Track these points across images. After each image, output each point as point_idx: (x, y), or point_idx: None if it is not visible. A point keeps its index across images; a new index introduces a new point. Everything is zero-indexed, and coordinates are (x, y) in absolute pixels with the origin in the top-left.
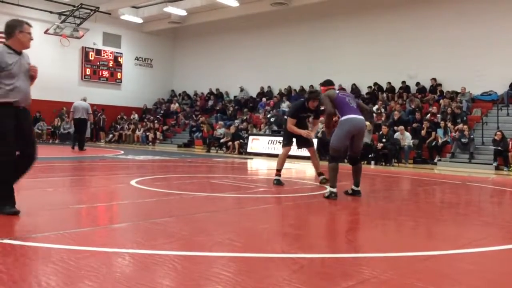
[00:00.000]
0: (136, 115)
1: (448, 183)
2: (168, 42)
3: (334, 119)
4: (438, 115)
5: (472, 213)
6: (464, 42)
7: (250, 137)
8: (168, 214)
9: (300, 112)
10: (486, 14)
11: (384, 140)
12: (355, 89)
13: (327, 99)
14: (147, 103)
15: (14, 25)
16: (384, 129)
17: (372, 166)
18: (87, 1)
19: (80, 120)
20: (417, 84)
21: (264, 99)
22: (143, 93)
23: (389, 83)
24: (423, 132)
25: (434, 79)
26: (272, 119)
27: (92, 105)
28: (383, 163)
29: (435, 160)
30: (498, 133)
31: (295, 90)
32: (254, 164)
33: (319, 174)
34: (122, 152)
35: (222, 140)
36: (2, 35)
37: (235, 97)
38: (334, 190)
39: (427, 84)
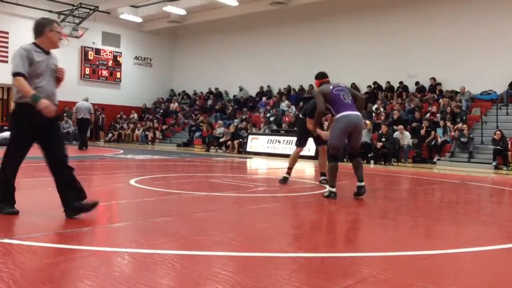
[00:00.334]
0: (136, 115)
1: (447, 182)
2: (168, 41)
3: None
4: (438, 115)
5: (471, 213)
6: (464, 42)
7: (250, 137)
8: (167, 213)
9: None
10: (486, 14)
11: (383, 139)
12: (354, 88)
13: (320, 95)
14: (147, 103)
15: (44, 23)
16: (384, 129)
17: (372, 165)
18: (86, 1)
19: (82, 120)
20: (417, 83)
21: (264, 99)
22: (142, 93)
23: (388, 82)
24: (422, 132)
25: (434, 79)
26: (272, 119)
27: (92, 105)
28: (383, 163)
29: (435, 160)
30: (498, 132)
31: (294, 89)
32: (253, 164)
33: (322, 174)
34: (122, 151)
35: (221, 140)
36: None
37: (234, 96)
38: (334, 189)
39: (427, 84)
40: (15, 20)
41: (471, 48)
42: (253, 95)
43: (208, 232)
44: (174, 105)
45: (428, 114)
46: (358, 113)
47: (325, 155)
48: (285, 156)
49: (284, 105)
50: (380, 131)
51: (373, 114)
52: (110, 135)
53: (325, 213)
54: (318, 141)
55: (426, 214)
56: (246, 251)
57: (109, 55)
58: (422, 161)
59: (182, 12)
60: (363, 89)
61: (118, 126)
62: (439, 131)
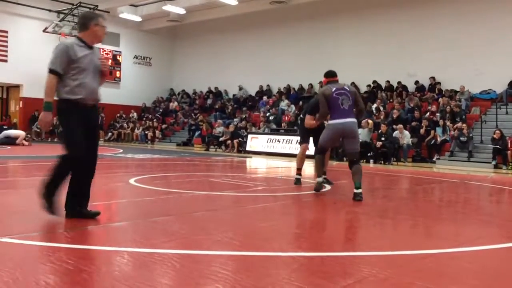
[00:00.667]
0: (135, 114)
1: (447, 181)
2: (167, 40)
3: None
4: (437, 114)
5: (471, 212)
6: (463, 41)
7: (249, 136)
8: (167, 212)
9: (317, 109)
10: (485, 13)
11: (383, 138)
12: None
13: (323, 97)
14: (146, 102)
15: (90, 17)
16: (383, 128)
17: (371, 164)
18: (85, 0)
19: None
20: (416, 82)
21: (265, 98)
22: (142, 92)
23: (388, 81)
24: (422, 131)
25: (433, 78)
26: (271, 118)
27: None
28: (382, 162)
29: (434, 159)
30: (497, 131)
31: (293, 88)
32: (253, 163)
33: (323, 173)
34: (121, 150)
35: (221, 139)
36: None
37: (234, 95)
38: (320, 179)
39: (426, 83)
40: (14, 19)
41: (470, 47)
42: (253, 94)
43: (208, 231)
44: (173, 104)
45: (428, 114)
46: (351, 119)
47: (328, 155)
48: (285, 155)
49: (283, 104)
50: (379, 131)
51: (373, 113)
52: (109, 134)
53: (325, 212)
54: (318, 139)
55: (426, 214)
56: (245, 250)
57: (109, 54)
58: (421, 161)
59: (182, 11)
60: (363, 88)
61: (117, 125)
62: (439, 130)
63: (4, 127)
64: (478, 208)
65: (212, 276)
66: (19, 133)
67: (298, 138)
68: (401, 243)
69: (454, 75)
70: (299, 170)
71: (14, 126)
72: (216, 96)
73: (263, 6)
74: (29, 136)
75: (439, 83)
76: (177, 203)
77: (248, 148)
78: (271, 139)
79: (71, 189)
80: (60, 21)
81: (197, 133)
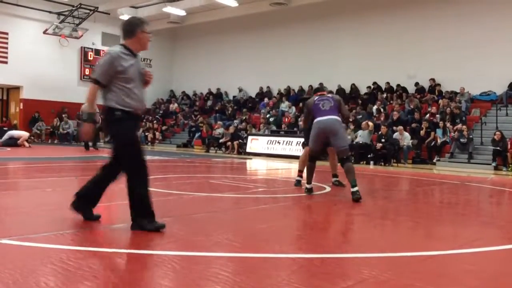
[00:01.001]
0: None
1: (447, 183)
2: (167, 42)
3: None
4: (437, 115)
5: (471, 213)
6: (463, 42)
7: (249, 137)
8: (167, 214)
9: None
10: (485, 15)
11: (383, 140)
12: (354, 89)
13: (305, 108)
14: (146, 103)
15: (136, 23)
16: (383, 129)
17: (371, 166)
18: (86, 1)
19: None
20: (416, 84)
21: (266, 99)
22: None
23: (388, 83)
24: (422, 132)
25: (433, 79)
26: (271, 119)
27: None
28: (382, 163)
29: (434, 160)
30: (498, 133)
31: (293, 90)
32: (253, 164)
33: (334, 175)
34: None
35: (221, 140)
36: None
37: (234, 97)
38: (309, 186)
39: (426, 84)
40: (15, 21)
41: (470, 48)
42: (253, 95)
43: (208, 233)
44: (173, 106)
45: (428, 115)
46: (331, 116)
47: (334, 157)
48: (285, 157)
49: (284, 105)
50: (379, 132)
51: (373, 115)
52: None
53: (325, 214)
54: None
55: (426, 215)
56: (246, 251)
57: None
58: (421, 162)
59: (182, 13)
60: (363, 90)
61: None
62: (439, 132)
63: (5, 128)
64: (478, 209)
65: (212, 278)
66: (22, 133)
67: (300, 140)
68: (401, 244)
69: (454, 76)
70: (300, 172)
71: (14, 128)
72: (216, 97)
73: (263, 8)
74: (32, 138)
75: (439, 84)
76: (177, 204)
77: (248, 150)
78: (271, 140)
79: (91, 190)
80: (60, 22)
81: (197, 135)
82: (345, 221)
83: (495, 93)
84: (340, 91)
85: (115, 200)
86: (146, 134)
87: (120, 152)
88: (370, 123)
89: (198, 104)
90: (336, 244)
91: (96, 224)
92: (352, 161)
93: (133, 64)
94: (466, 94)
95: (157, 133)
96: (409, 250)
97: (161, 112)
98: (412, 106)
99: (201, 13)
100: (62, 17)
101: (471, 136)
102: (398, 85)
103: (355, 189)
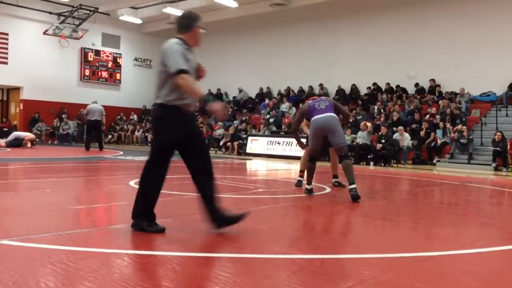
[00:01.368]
0: (135, 116)
1: (447, 183)
2: None
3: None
4: (437, 116)
5: (471, 214)
6: (463, 43)
7: (249, 138)
8: (167, 214)
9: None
10: (485, 15)
11: (383, 140)
12: (354, 90)
13: (299, 112)
14: (146, 104)
15: (194, 18)
16: (383, 130)
17: (371, 167)
18: (86, 2)
19: (96, 121)
20: (416, 85)
21: (266, 100)
22: (142, 94)
23: (388, 83)
24: (422, 133)
25: (433, 80)
26: (271, 120)
27: None
28: (382, 164)
29: (434, 161)
30: (498, 133)
31: (293, 91)
32: (253, 165)
33: (334, 176)
34: (121, 152)
35: (221, 141)
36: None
37: (234, 97)
38: (309, 187)
39: (426, 85)
40: (15, 22)
41: (470, 49)
42: (253, 96)
43: (208, 234)
44: None
45: (428, 116)
46: (328, 113)
47: (335, 158)
48: (285, 157)
49: (284, 106)
50: (379, 133)
51: (374, 115)
52: (109, 136)
53: (325, 215)
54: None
55: (426, 216)
56: (245, 252)
57: (109, 56)
58: (421, 163)
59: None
60: (363, 91)
61: (117, 127)
62: (439, 132)
63: (4, 129)
64: (478, 210)
65: (212, 278)
66: (27, 134)
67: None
68: (401, 245)
69: (454, 77)
70: (301, 172)
71: (14, 128)
72: (216, 98)
73: (263, 9)
74: (37, 140)
75: (439, 85)
76: (177, 205)
77: (248, 150)
78: (271, 141)
79: (205, 202)
80: (60, 23)
81: None
82: (345, 221)
83: (495, 93)
84: (340, 91)
85: (115, 200)
86: (146, 134)
87: (155, 144)
88: (368, 124)
89: (199, 104)
90: (336, 244)
91: (96, 225)
92: (352, 161)
93: (192, 59)
94: (466, 94)
95: None
96: (409, 251)
97: None
98: (412, 107)
99: (201, 13)
100: (62, 18)
101: (471, 137)
102: (398, 86)
103: (354, 186)
